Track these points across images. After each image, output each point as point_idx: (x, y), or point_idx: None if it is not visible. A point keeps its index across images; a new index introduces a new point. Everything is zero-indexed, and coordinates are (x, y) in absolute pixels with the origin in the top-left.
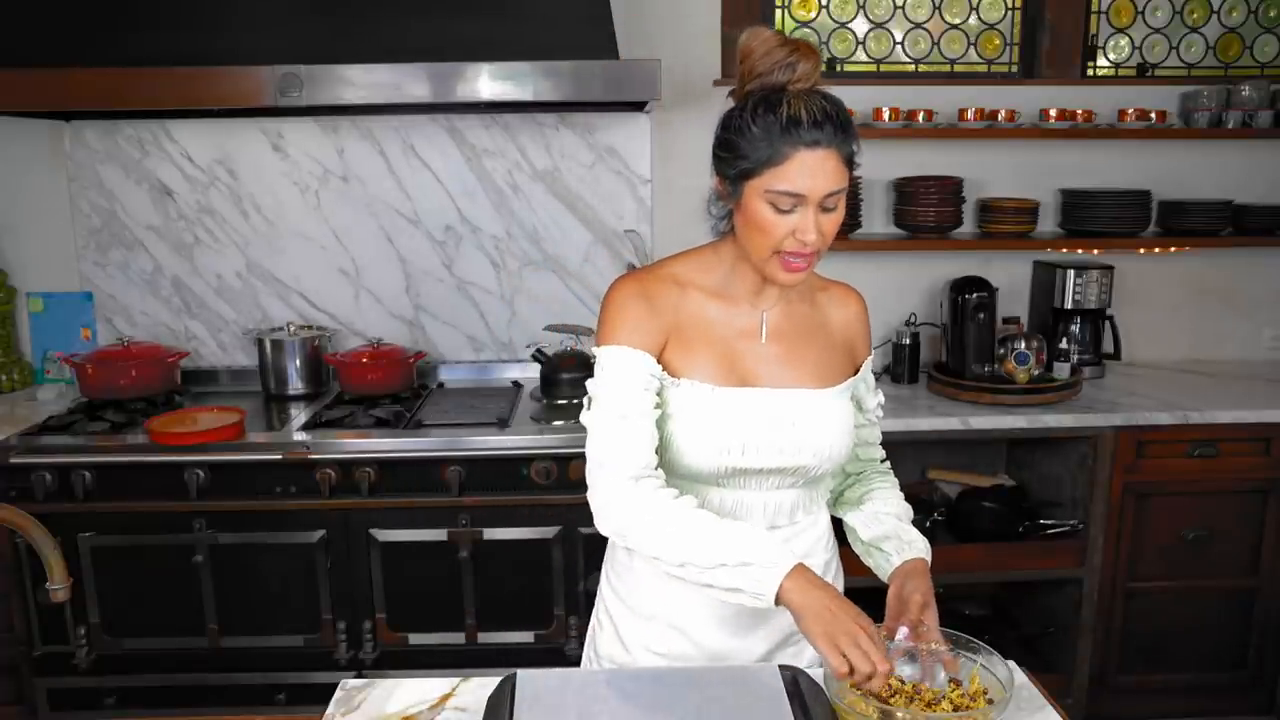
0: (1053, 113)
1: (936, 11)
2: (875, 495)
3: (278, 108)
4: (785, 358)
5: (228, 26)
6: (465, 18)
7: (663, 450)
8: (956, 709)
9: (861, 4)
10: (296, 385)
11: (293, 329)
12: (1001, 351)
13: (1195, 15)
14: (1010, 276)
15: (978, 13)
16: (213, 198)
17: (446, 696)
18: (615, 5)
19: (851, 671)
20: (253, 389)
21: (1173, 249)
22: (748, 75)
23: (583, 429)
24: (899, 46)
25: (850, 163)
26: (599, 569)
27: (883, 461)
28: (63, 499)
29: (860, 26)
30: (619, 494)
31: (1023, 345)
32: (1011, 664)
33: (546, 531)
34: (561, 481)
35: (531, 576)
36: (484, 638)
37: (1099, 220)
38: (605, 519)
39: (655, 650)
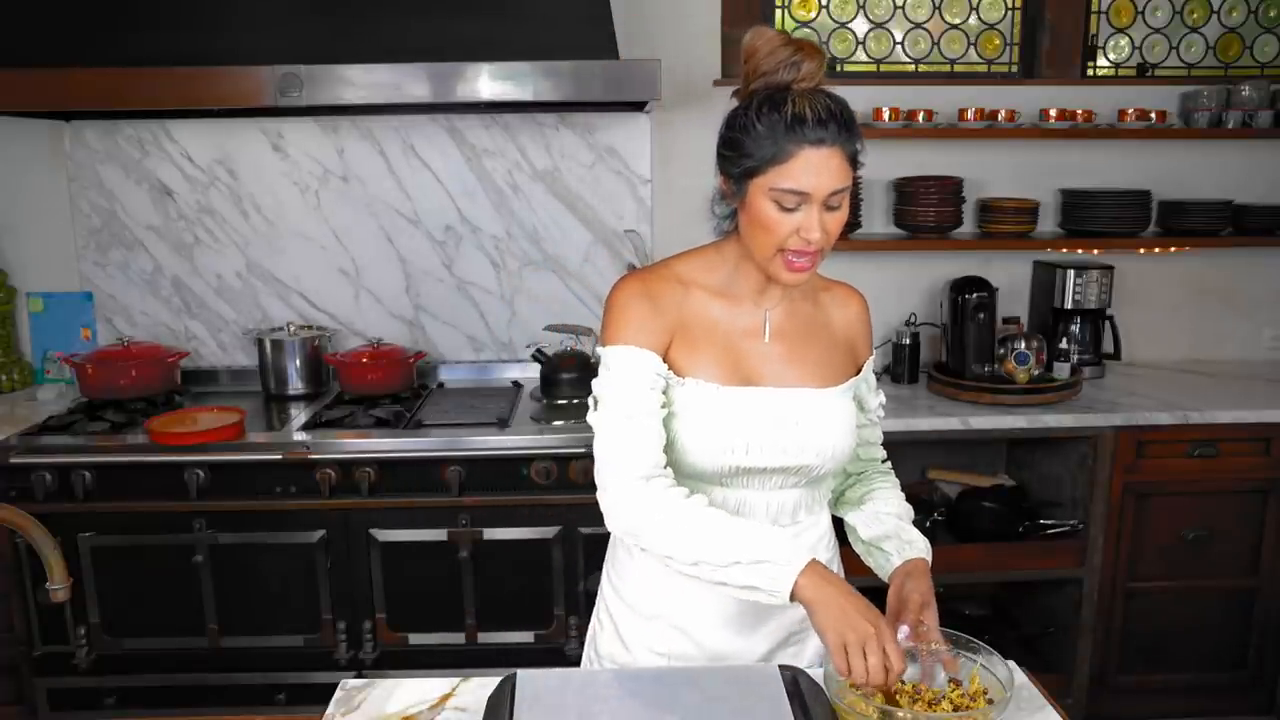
0: (1053, 113)
1: (936, 11)
2: (876, 495)
3: (278, 108)
4: (788, 357)
5: (228, 26)
6: (465, 18)
7: (667, 449)
8: (956, 709)
9: (861, 4)
10: (296, 385)
11: (293, 329)
12: (1001, 351)
13: (1195, 15)
14: (1010, 276)
15: (978, 13)
16: (213, 198)
17: (446, 696)
18: (615, 5)
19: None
20: (253, 389)
21: (1173, 249)
22: (752, 74)
23: (583, 429)
24: (899, 46)
25: (854, 161)
26: (599, 569)
27: (883, 462)
28: (63, 499)
29: (860, 26)
30: (629, 494)
31: (1023, 345)
32: (1011, 664)
33: (546, 531)
34: (561, 481)
35: (531, 576)
36: (484, 638)
37: (1099, 220)
38: (616, 519)
39: (656, 650)
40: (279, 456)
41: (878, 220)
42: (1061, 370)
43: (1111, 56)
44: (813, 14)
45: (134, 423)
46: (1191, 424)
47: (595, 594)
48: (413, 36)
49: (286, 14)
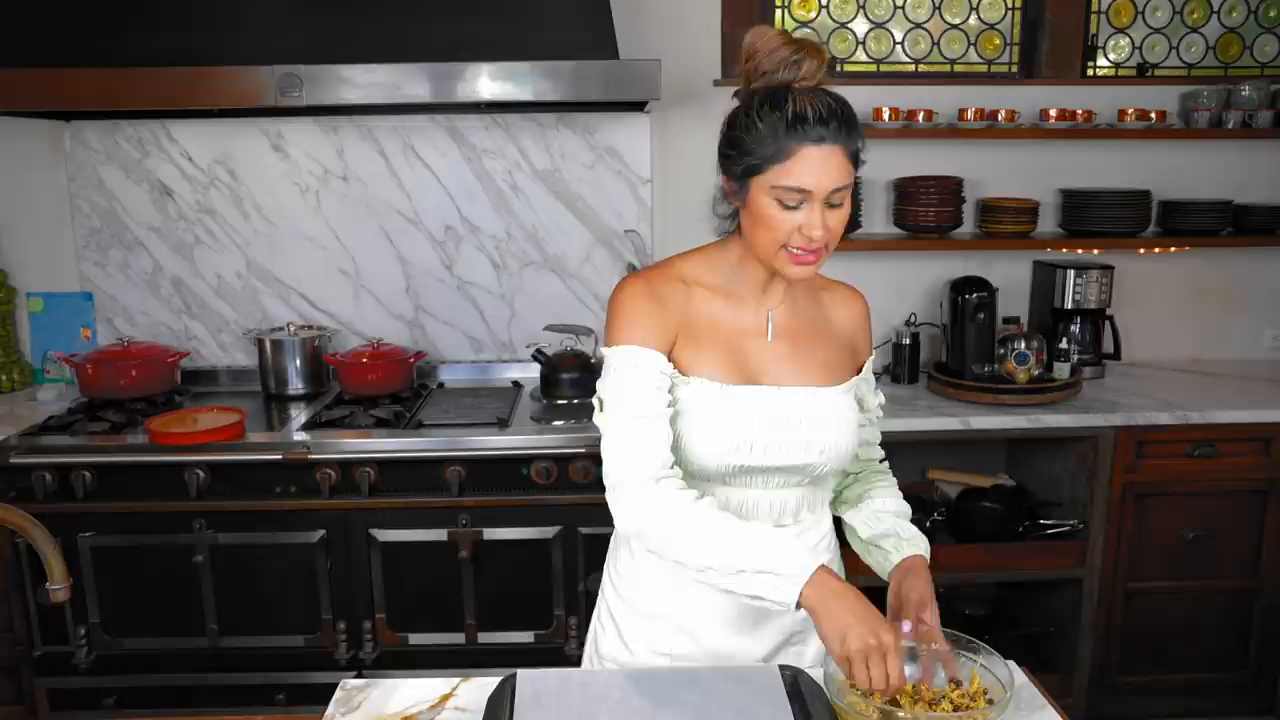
0: (1053, 113)
1: (936, 11)
2: (874, 494)
3: (278, 108)
4: (791, 356)
5: (228, 26)
6: (465, 18)
7: (671, 449)
8: (956, 709)
9: (861, 4)
10: (296, 385)
11: (293, 329)
12: (1001, 351)
13: (1195, 15)
14: (1010, 276)
15: (978, 13)
16: (213, 198)
17: (446, 696)
18: (615, 5)
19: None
20: (253, 389)
21: (1173, 249)
22: (753, 74)
23: (583, 429)
24: (899, 46)
25: (856, 160)
26: (599, 569)
27: (882, 461)
28: (63, 499)
29: (860, 26)
30: (639, 497)
31: (1023, 345)
32: (1011, 664)
33: (546, 531)
34: (561, 481)
35: (531, 576)
36: (484, 638)
37: (1099, 220)
38: (626, 522)
39: (658, 650)
40: (279, 456)
41: (878, 220)
42: (1061, 370)
43: (1111, 56)
44: (813, 14)
45: (134, 423)
46: (1191, 424)
47: (595, 594)
48: (413, 36)
49: (286, 14)
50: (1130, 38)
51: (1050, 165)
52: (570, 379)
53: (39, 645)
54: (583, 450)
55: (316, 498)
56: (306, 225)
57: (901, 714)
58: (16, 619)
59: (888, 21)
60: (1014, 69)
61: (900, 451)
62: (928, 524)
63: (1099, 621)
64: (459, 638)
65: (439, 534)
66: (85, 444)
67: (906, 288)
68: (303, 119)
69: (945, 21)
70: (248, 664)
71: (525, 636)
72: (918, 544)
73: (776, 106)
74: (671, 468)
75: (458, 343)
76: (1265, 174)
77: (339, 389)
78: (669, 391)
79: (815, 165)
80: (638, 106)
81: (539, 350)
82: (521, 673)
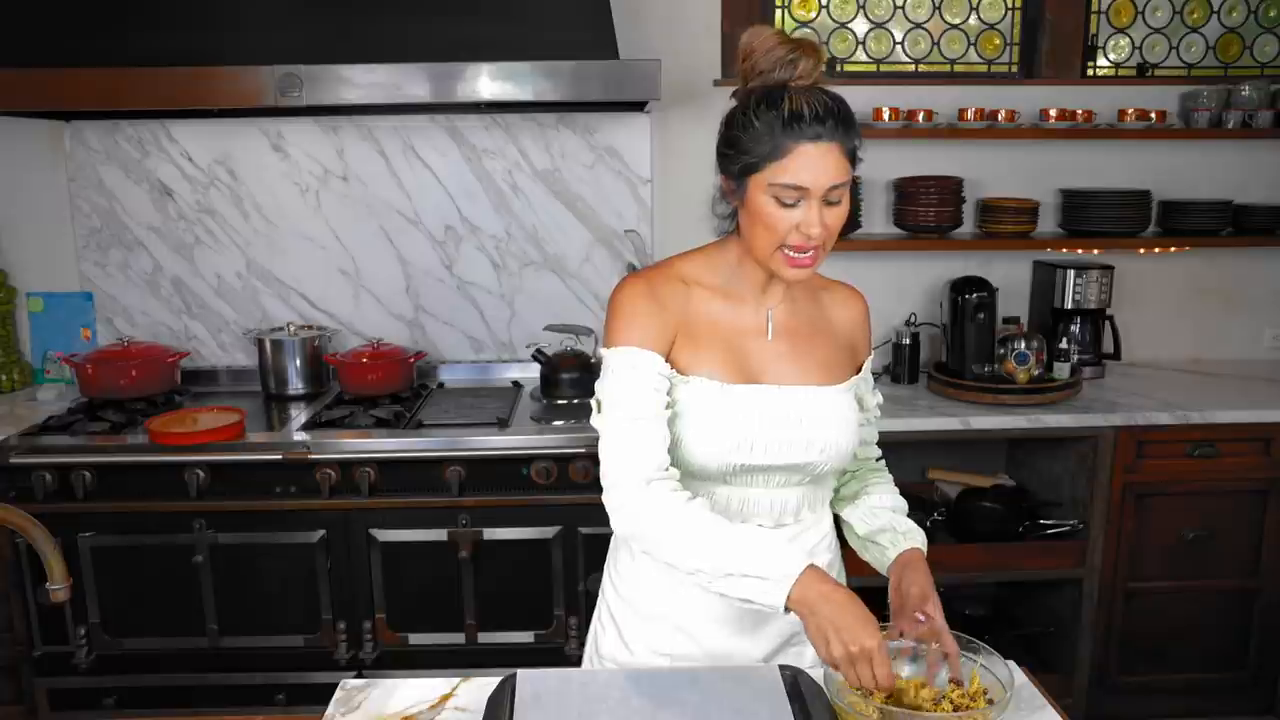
0: (1053, 113)
1: (936, 11)
2: (870, 490)
3: (278, 108)
4: (791, 355)
5: (228, 26)
6: (465, 18)
7: (671, 448)
8: (956, 709)
9: (861, 4)
10: (296, 385)
11: (293, 329)
12: (1001, 351)
13: (1195, 15)
14: (1010, 276)
15: (978, 13)
16: (213, 198)
17: (446, 696)
18: (615, 5)
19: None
20: (253, 389)
21: (1173, 249)
22: (750, 73)
23: (583, 429)
24: (899, 46)
25: (853, 158)
26: (599, 569)
27: (878, 460)
28: (63, 499)
29: (860, 26)
30: (631, 499)
31: (1023, 345)
32: (1011, 664)
33: (546, 531)
34: (561, 481)
35: (531, 576)
36: (484, 638)
37: (1099, 220)
38: (620, 523)
39: (658, 650)
40: (279, 456)
41: (878, 220)
42: (1061, 370)
43: (1111, 56)
44: (813, 14)
45: (134, 423)
46: (1191, 424)
47: (595, 594)
48: (413, 36)
49: (286, 14)
50: (1130, 38)
51: (1050, 165)
52: (570, 379)
53: (39, 645)
54: (583, 450)
55: (316, 498)
56: (306, 225)
57: (901, 714)
58: (16, 619)
59: (888, 21)
60: (1014, 69)
61: (900, 451)
62: (928, 524)
63: (1099, 621)
64: (459, 638)
65: (439, 534)
66: (85, 444)
67: (906, 288)
68: (303, 119)
69: (945, 21)
70: (248, 664)
71: (525, 636)
72: (914, 538)
73: (773, 105)
74: (667, 469)
75: (458, 343)
76: (1265, 174)
77: (339, 389)
78: (668, 393)
79: (812, 162)
80: (638, 106)
81: (539, 350)
82: (521, 673)
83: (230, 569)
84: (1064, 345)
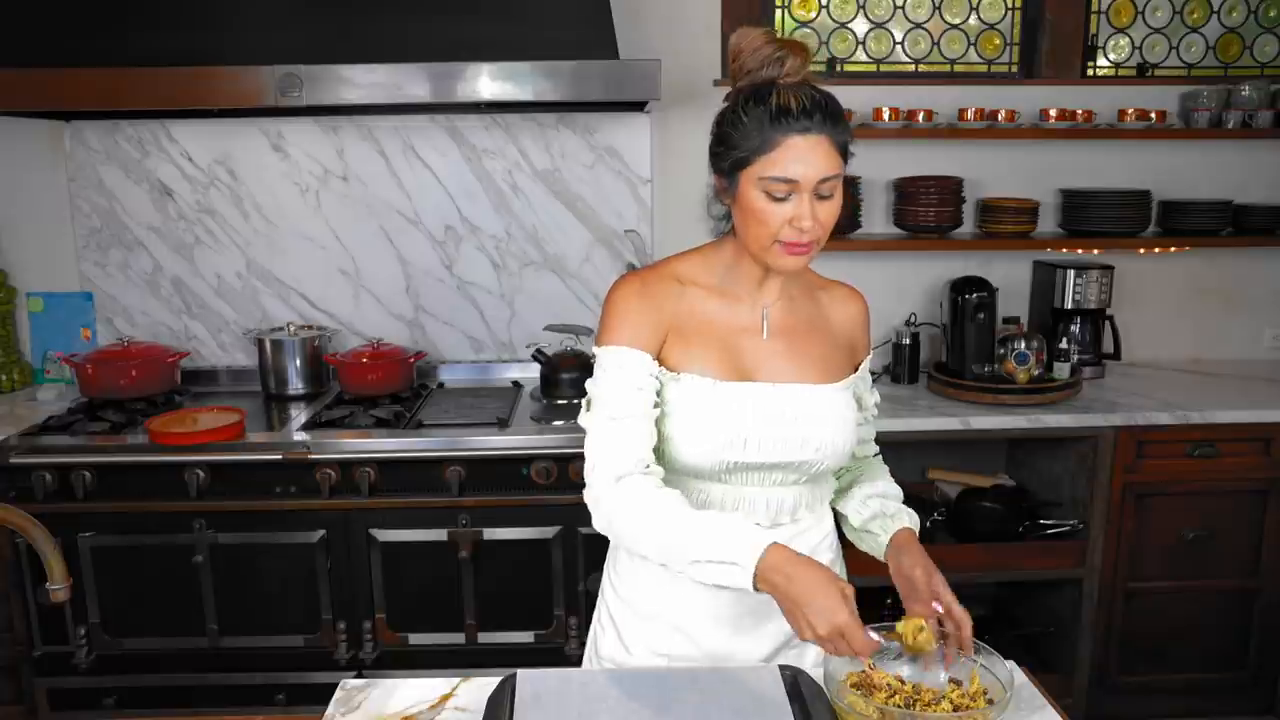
0: (1053, 113)
1: (936, 11)
2: (862, 480)
3: (278, 108)
4: (787, 353)
5: (228, 26)
6: (465, 18)
7: (664, 446)
8: (956, 709)
9: (861, 4)
10: (296, 385)
11: (293, 329)
12: (1001, 351)
13: (1195, 15)
14: (1010, 276)
15: (978, 13)
16: (213, 198)
17: (446, 696)
18: (615, 5)
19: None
20: (253, 389)
21: (1173, 249)
22: (739, 74)
23: (583, 429)
24: (899, 46)
25: (844, 152)
26: (599, 569)
27: (875, 455)
28: (63, 499)
29: (860, 26)
30: (605, 494)
31: (1023, 345)
32: (1011, 664)
33: (546, 531)
34: (561, 481)
35: (531, 576)
36: (484, 638)
37: (1099, 220)
38: (595, 519)
39: (658, 651)
40: (279, 456)
41: (878, 220)
42: (1061, 370)
43: (1111, 56)
44: (813, 14)
45: (134, 423)
46: (1191, 424)
47: (595, 594)
48: (413, 36)
49: (286, 14)
50: (1130, 38)
51: (1050, 165)
52: (570, 379)
53: (39, 645)
54: (583, 450)
55: (316, 498)
56: (306, 225)
57: (901, 714)
58: (16, 619)
59: (888, 21)
60: (1014, 69)
61: (900, 451)
62: (928, 524)
63: (1099, 621)
64: (459, 638)
65: (439, 534)
66: (85, 444)
67: (906, 288)
68: (303, 119)
69: (945, 21)
70: (248, 664)
71: (525, 636)
72: (902, 518)
73: (761, 101)
74: (648, 467)
75: (458, 343)
76: (1265, 174)
77: (339, 389)
78: (658, 391)
79: (801, 154)
80: (638, 106)
81: (539, 350)
82: (521, 673)
83: (230, 569)
84: (1064, 345)
